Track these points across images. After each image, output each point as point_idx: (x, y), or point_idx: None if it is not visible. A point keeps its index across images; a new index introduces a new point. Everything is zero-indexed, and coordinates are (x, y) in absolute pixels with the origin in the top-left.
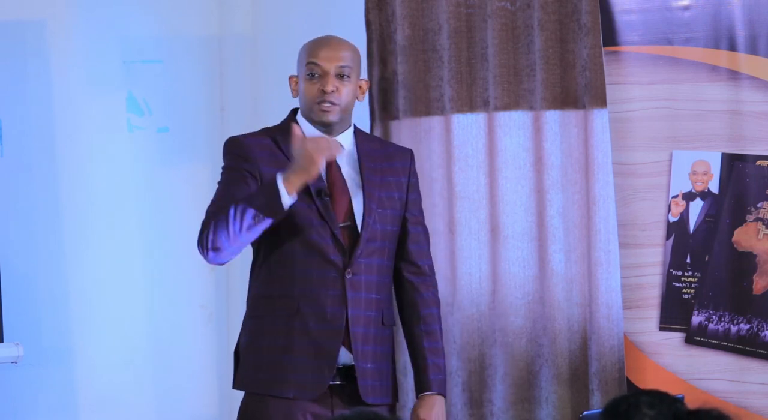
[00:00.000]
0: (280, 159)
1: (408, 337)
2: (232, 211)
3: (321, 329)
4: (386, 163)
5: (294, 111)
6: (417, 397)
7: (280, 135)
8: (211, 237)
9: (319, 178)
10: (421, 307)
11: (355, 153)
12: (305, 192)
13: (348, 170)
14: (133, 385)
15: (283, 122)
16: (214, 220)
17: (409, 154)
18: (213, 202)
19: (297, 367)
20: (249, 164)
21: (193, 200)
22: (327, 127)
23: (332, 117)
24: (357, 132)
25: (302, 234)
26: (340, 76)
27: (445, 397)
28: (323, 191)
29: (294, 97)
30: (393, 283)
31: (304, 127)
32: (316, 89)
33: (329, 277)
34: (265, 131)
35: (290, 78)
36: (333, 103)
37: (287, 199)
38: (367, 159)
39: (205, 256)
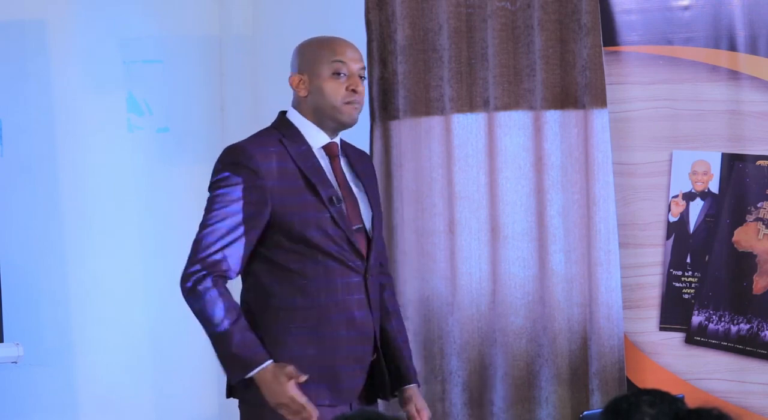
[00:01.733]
0: (290, 169)
1: (381, 333)
2: (213, 327)
3: (352, 336)
4: (363, 165)
5: (283, 113)
6: (399, 390)
7: (286, 139)
8: (191, 299)
9: (329, 184)
10: (389, 304)
11: (345, 156)
12: (316, 199)
13: (348, 174)
14: (133, 384)
15: (279, 123)
16: (201, 292)
17: (369, 157)
18: (208, 233)
19: (332, 376)
20: (260, 180)
21: (193, 200)
22: (338, 129)
23: (357, 116)
24: None
25: (319, 244)
26: (360, 78)
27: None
28: (335, 197)
29: (303, 95)
30: None
31: (306, 129)
32: (343, 88)
33: (353, 283)
34: (266, 134)
35: (293, 76)
36: (358, 104)
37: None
38: (355, 161)
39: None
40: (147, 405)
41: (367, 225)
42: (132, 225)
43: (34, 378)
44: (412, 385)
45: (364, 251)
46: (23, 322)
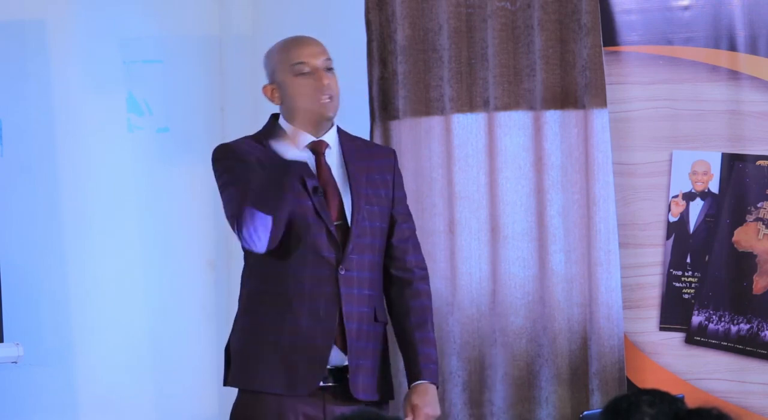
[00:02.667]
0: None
1: (398, 331)
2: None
3: (313, 326)
4: (370, 161)
5: (274, 116)
6: (409, 387)
7: (266, 139)
8: (252, 232)
9: (312, 176)
10: (409, 300)
11: (340, 152)
12: (299, 191)
13: (335, 169)
14: (134, 384)
15: (265, 128)
16: (246, 212)
17: (392, 153)
18: (230, 201)
19: (287, 365)
20: (248, 164)
21: (193, 200)
22: (321, 125)
23: (332, 112)
24: (340, 132)
25: (297, 232)
26: (328, 69)
27: (437, 387)
28: (318, 189)
29: (277, 104)
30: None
31: (289, 133)
32: (310, 87)
33: (323, 275)
34: (250, 138)
35: (264, 88)
36: (331, 97)
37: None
38: (352, 158)
39: (260, 249)
40: (147, 405)
41: (349, 220)
42: (132, 225)
43: (34, 378)
44: (415, 383)
45: (341, 244)
46: (23, 322)
